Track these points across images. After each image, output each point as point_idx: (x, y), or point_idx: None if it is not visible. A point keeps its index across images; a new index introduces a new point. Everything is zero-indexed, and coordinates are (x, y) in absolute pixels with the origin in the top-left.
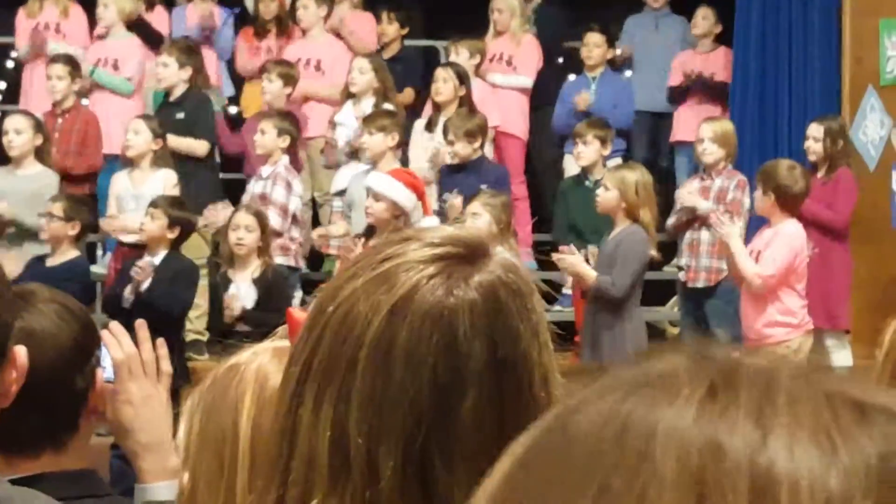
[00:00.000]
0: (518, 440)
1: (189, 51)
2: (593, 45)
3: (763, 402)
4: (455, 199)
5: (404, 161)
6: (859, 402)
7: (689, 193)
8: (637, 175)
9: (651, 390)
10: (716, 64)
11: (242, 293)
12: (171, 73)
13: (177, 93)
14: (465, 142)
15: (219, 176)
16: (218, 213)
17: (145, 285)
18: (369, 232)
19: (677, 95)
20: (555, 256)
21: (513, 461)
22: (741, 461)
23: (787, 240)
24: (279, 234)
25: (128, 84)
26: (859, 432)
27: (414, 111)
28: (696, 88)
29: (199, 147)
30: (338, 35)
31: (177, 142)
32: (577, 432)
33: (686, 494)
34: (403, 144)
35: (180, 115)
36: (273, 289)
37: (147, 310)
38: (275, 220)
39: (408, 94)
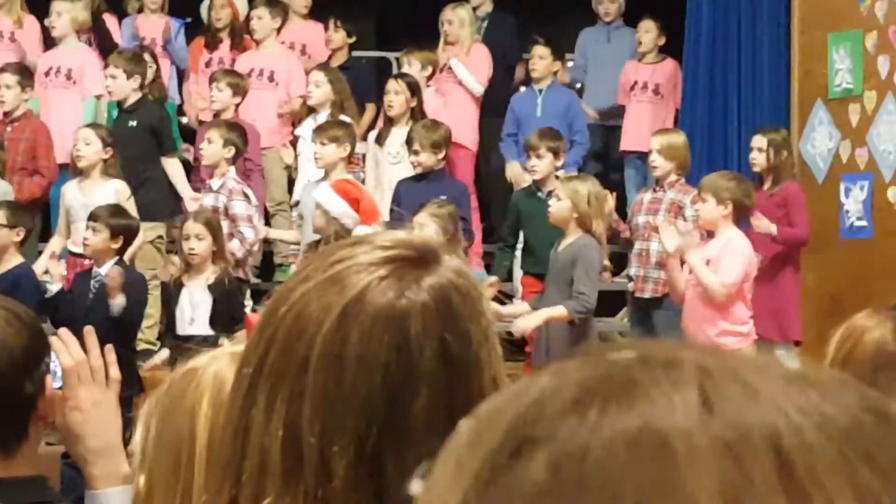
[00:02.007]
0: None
1: (136, 59)
2: (538, 57)
3: (749, 398)
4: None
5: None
6: (806, 377)
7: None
8: (589, 186)
9: (638, 402)
10: (662, 74)
11: (196, 299)
12: (121, 85)
13: (130, 101)
14: (431, 152)
15: (166, 187)
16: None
17: (119, 300)
18: (320, 244)
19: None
20: (517, 330)
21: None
22: (765, 462)
23: (739, 247)
24: (250, 251)
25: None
26: (831, 405)
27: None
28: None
29: (176, 165)
30: (291, 46)
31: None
32: (576, 459)
33: None
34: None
35: (132, 123)
36: (229, 296)
37: (98, 322)
38: (249, 235)
39: (370, 111)
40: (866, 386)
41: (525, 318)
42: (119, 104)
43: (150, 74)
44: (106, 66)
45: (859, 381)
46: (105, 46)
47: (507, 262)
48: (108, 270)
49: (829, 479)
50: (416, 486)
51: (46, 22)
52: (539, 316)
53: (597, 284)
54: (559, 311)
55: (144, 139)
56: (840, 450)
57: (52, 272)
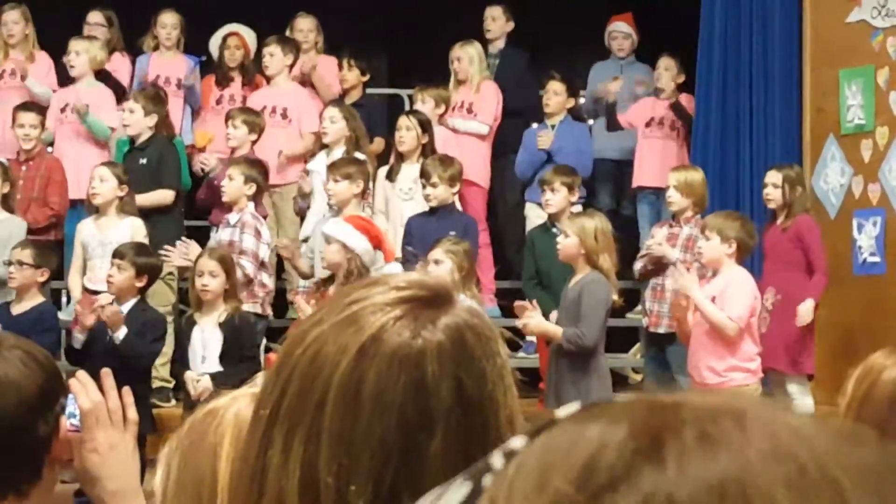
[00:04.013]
0: None
1: (156, 98)
2: (552, 93)
3: (808, 448)
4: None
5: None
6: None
7: (658, 244)
8: (596, 222)
9: (715, 447)
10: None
11: (207, 337)
12: (138, 120)
13: (142, 139)
14: (448, 185)
15: (183, 224)
16: (190, 248)
17: (120, 333)
18: (330, 280)
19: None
20: (519, 323)
21: None
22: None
23: (743, 283)
24: (251, 282)
25: (107, 130)
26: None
27: (380, 159)
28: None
29: (165, 197)
30: (303, 83)
31: (143, 198)
32: (667, 496)
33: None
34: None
35: (143, 161)
36: (240, 334)
37: (115, 360)
38: (248, 268)
39: (378, 144)
40: (884, 424)
41: (534, 318)
42: (131, 141)
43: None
44: (120, 103)
45: (877, 420)
46: (115, 90)
47: (536, 295)
48: (106, 308)
49: None
50: None
51: (64, 59)
52: (541, 324)
53: (599, 323)
54: (556, 330)
55: (154, 176)
56: None
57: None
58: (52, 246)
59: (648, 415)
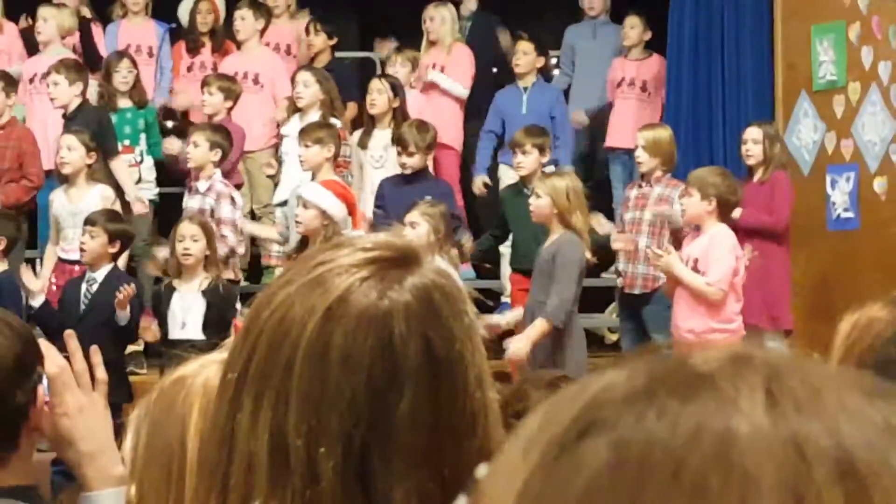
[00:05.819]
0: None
1: (78, 66)
2: (522, 53)
3: (813, 398)
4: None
5: None
6: (873, 388)
7: (618, 242)
8: (567, 181)
9: (704, 392)
10: (649, 71)
11: (188, 304)
12: (63, 92)
13: (71, 108)
14: (423, 154)
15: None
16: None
17: (125, 313)
18: (303, 245)
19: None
20: (511, 356)
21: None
22: (827, 459)
23: (726, 244)
24: (234, 252)
25: None
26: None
27: (354, 124)
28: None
29: (123, 168)
30: (276, 47)
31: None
32: (640, 440)
33: (785, 496)
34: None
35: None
36: (225, 303)
37: (93, 328)
38: (231, 239)
39: (351, 109)
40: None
41: (515, 342)
42: (63, 114)
43: (130, 80)
44: (47, 74)
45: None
46: (90, 58)
47: (484, 247)
48: (123, 288)
49: (890, 481)
50: (482, 469)
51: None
52: (528, 338)
53: (574, 283)
54: (542, 326)
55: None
56: None
57: (31, 287)
58: (9, 214)
59: (661, 362)
